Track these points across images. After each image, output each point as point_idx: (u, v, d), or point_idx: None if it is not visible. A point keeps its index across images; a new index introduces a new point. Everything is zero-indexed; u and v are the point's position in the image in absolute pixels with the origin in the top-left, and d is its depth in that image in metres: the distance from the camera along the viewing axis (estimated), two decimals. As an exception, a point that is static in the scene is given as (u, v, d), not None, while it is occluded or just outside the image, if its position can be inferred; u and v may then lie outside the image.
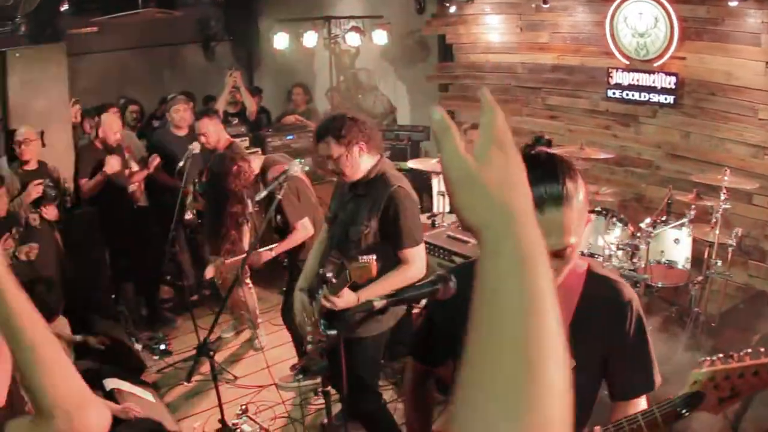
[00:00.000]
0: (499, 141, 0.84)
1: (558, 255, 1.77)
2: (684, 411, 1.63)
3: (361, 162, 3.64)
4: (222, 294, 5.98)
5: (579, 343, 1.91)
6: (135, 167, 6.40)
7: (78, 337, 4.97)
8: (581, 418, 1.81)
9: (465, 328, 2.07)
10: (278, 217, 4.82)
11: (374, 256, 3.19)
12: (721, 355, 1.61)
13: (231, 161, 5.21)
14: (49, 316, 4.24)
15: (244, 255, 4.69)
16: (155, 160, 6.32)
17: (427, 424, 2.34)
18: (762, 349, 1.57)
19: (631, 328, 1.93)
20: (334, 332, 3.48)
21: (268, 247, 4.94)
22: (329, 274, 3.54)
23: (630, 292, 1.97)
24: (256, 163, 5.28)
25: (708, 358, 1.62)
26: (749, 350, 1.58)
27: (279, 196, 4.16)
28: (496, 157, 0.83)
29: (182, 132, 6.65)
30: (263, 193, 4.28)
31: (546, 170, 1.75)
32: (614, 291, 1.96)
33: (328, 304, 3.48)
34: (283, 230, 4.90)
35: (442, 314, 2.15)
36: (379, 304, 1.99)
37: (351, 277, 3.35)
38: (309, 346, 3.77)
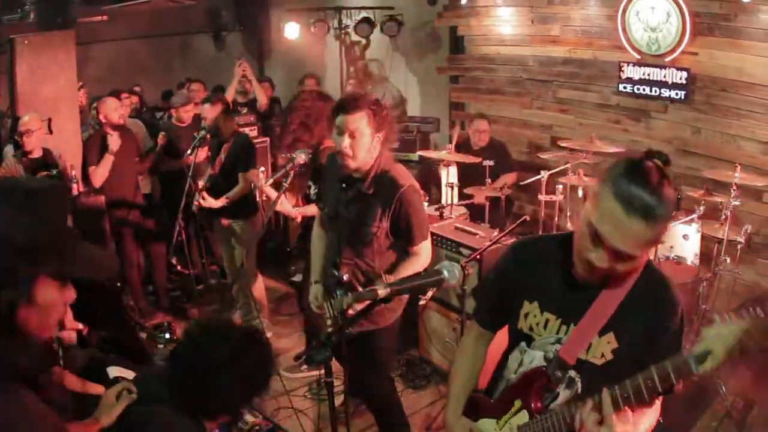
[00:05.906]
0: None
1: (624, 258, 1.84)
2: (695, 366, 1.63)
3: (371, 152, 3.51)
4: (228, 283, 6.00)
5: (623, 327, 1.98)
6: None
7: (80, 326, 4.96)
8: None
9: (520, 300, 2.09)
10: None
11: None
12: (732, 313, 1.60)
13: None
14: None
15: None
16: (163, 139, 6.48)
17: (472, 383, 2.40)
18: None
19: (671, 329, 1.98)
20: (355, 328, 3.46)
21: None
22: (345, 276, 3.53)
23: (681, 297, 2.03)
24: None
25: (721, 315, 1.62)
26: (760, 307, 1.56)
27: (286, 185, 4.16)
28: None
29: (185, 123, 6.74)
30: (270, 180, 4.27)
31: (651, 180, 1.81)
32: (668, 291, 2.03)
33: (351, 312, 3.42)
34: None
35: (504, 283, 2.23)
36: (383, 292, 1.99)
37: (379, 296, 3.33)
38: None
